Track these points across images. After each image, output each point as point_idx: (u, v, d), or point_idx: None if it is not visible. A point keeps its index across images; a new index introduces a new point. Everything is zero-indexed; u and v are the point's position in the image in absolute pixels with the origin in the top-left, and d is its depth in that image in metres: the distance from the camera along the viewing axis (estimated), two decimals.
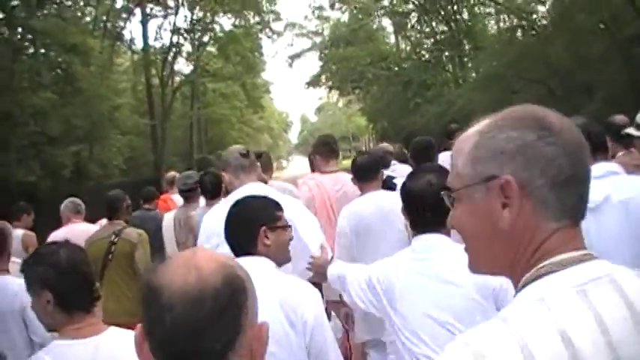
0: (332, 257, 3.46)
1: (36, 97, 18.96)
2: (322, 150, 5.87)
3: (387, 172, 5.59)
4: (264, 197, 3.01)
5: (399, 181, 5.38)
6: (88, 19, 28.28)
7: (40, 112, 18.83)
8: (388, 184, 5.14)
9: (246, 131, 49.51)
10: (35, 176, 17.79)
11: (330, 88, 44.52)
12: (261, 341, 1.25)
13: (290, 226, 2.92)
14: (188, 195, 6.57)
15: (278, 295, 2.56)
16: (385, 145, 9.31)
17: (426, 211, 2.79)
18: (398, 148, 9.46)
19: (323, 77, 40.98)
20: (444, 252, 2.75)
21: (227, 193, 4.48)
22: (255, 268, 1.92)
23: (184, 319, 1.15)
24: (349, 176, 5.65)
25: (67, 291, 2.42)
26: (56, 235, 6.12)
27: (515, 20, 23.86)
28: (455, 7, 31.24)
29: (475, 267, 1.34)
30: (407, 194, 2.96)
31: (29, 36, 21.29)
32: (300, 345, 2.55)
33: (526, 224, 1.21)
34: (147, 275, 1.27)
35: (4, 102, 17.19)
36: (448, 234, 2.78)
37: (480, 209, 1.26)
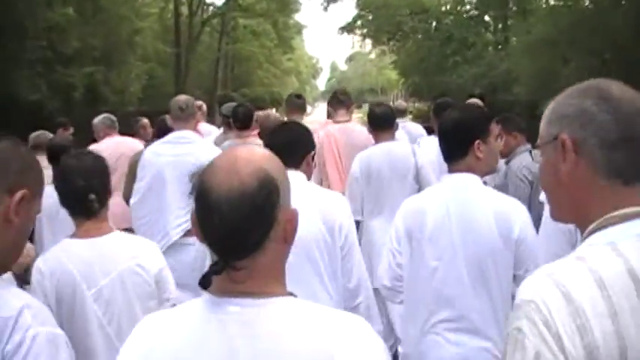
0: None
1: (52, 11, 17.73)
2: (331, 101, 6.21)
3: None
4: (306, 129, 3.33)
5: (400, 135, 6.01)
6: None
7: (55, 28, 17.61)
8: None
9: (273, 72, 48.29)
10: (41, 95, 16.66)
11: (364, 37, 42.82)
12: (292, 223, 1.49)
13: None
14: (231, 122, 6.76)
15: (317, 205, 2.95)
16: (400, 102, 10.31)
17: (442, 138, 3.01)
18: (428, 107, 9.20)
19: (358, 24, 39.27)
20: (474, 194, 2.87)
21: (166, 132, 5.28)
22: (295, 182, 1.95)
23: (228, 217, 1.38)
24: (358, 126, 6.17)
25: (64, 197, 2.87)
26: (97, 149, 6.02)
27: None
28: None
29: (552, 213, 1.62)
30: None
31: None
32: (336, 245, 2.98)
33: (580, 178, 1.45)
34: (198, 176, 1.47)
35: (17, 14, 15.98)
36: (472, 169, 2.89)
37: (550, 163, 1.52)
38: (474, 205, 2.81)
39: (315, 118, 25.58)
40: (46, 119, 16.00)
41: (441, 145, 3.00)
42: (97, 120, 7.08)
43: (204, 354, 1.41)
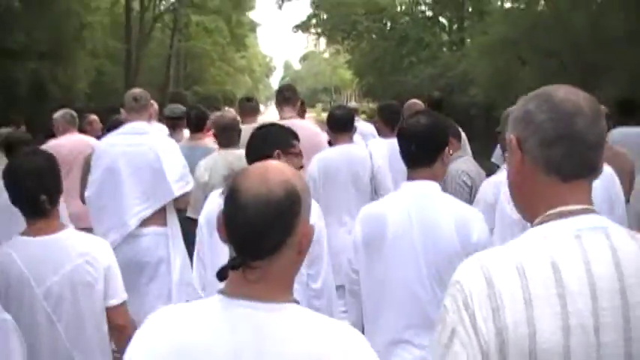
0: None
1: None
2: (277, 97, 6.15)
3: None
4: (281, 126, 3.50)
5: (356, 138, 5.93)
6: None
7: None
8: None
9: (226, 70, 47.59)
10: None
11: (319, 35, 42.53)
12: (308, 238, 1.60)
13: (301, 155, 3.37)
14: (176, 123, 6.93)
15: None
16: (353, 104, 11.55)
17: (411, 144, 2.95)
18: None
19: (313, 22, 38.94)
20: (435, 201, 2.90)
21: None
22: None
23: (253, 218, 1.50)
24: (304, 122, 6.19)
25: (14, 198, 2.92)
26: (58, 144, 6.36)
27: None
28: None
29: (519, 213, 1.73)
30: (399, 131, 3.13)
31: None
32: None
33: (526, 175, 1.58)
34: (230, 179, 1.61)
35: None
36: (435, 177, 2.94)
37: (508, 165, 1.68)
38: (436, 212, 2.85)
39: (268, 117, 25.24)
40: None
41: (408, 150, 2.98)
42: (57, 115, 6.91)
43: (211, 352, 1.49)
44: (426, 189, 2.90)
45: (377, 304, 2.96)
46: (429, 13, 32.90)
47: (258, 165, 1.64)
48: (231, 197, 1.55)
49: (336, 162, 5.11)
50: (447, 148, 2.95)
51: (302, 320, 1.55)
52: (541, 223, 1.52)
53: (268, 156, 2.91)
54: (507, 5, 23.88)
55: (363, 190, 5.13)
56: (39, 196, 2.84)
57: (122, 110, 5.30)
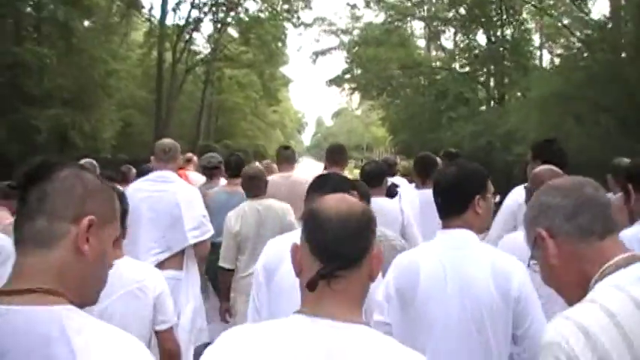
0: None
1: (20, 47, 16.29)
2: (327, 158, 6.51)
3: (392, 180, 6.24)
4: (340, 176, 3.54)
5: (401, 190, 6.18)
6: None
7: (21, 65, 16.14)
8: (391, 190, 5.62)
9: (257, 124, 47.23)
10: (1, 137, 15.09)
11: (353, 90, 41.74)
12: (379, 259, 1.70)
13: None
14: (213, 173, 7.61)
15: None
16: (389, 156, 11.36)
17: (437, 196, 2.97)
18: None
19: (347, 77, 38.18)
20: (470, 251, 2.82)
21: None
22: None
23: (338, 229, 1.62)
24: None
25: None
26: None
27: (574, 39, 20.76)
28: (502, 20, 28.23)
29: (568, 302, 1.79)
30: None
31: None
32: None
33: (566, 253, 1.74)
34: (310, 205, 1.76)
35: None
36: (470, 225, 2.86)
37: (541, 261, 1.86)
38: (471, 262, 2.76)
39: (299, 172, 24.08)
40: (5, 164, 14.49)
41: (437, 200, 2.97)
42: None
43: None
44: (460, 238, 2.83)
45: None
46: (467, 69, 31.85)
47: (331, 195, 1.78)
48: (312, 217, 1.69)
49: None
50: (477, 196, 2.86)
51: (373, 341, 1.62)
52: (603, 277, 1.64)
53: None
54: (546, 60, 22.72)
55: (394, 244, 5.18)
56: None
57: (151, 158, 5.57)
